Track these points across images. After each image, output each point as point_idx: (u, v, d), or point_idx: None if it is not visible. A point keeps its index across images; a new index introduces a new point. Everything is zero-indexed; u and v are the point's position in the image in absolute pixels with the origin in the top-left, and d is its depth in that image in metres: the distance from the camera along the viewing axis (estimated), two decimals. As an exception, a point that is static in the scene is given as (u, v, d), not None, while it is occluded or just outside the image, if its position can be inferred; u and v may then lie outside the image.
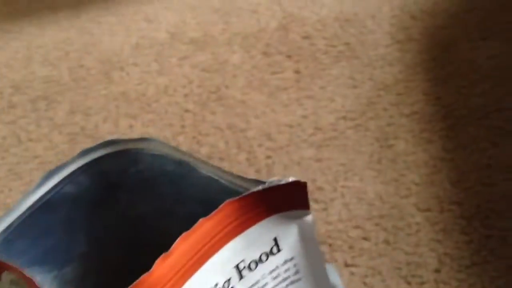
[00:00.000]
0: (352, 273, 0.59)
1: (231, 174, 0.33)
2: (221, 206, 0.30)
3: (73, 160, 0.33)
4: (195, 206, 0.35)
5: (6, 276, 0.29)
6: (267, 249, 0.32)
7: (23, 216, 0.31)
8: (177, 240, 0.28)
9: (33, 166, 0.71)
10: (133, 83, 0.78)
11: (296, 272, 0.33)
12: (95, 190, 0.34)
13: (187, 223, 0.31)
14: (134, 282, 0.26)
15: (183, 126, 0.73)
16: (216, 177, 0.33)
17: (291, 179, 0.31)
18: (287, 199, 0.32)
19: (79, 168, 0.33)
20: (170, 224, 0.37)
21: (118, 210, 0.36)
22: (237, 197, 0.30)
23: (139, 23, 0.86)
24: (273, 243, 0.32)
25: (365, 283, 0.59)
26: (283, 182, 0.31)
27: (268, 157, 0.69)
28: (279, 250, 0.32)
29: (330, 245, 0.61)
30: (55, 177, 0.32)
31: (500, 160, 0.66)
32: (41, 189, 0.32)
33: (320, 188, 0.66)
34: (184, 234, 0.29)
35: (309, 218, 0.33)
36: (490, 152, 0.67)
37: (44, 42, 0.85)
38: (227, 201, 0.30)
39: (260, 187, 0.31)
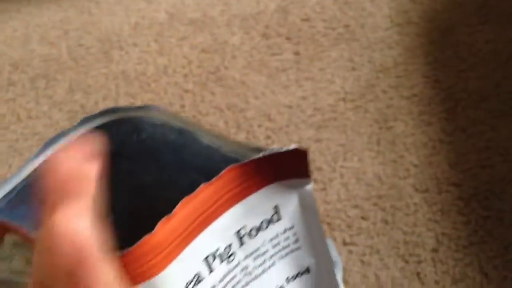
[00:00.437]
0: (350, 252, 0.60)
1: (233, 141, 0.33)
2: (222, 172, 0.30)
3: (73, 128, 0.33)
4: (197, 176, 0.35)
5: (9, 238, 0.29)
6: (268, 217, 0.32)
7: (26, 180, 0.31)
8: (178, 204, 0.28)
9: (32, 143, 0.71)
10: (132, 63, 0.78)
11: (296, 241, 0.33)
12: (96, 158, 0.34)
13: (189, 193, 0.31)
14: (136, 243, 0.27)
15: (182, 106, 0.73)
16: (217, 146, 0.33)
17: (292, 147, 0.31)
18: (288, 167, 0.32)
19: (80, 136, 0.33)
20: (172, 194, 0.37)
21: (120, 179, 0.36)
22: (239, 164, 0.30)
23: (138, 3, 0.86)
24: (273, 211, 0.32)
25: (362, 261, 0.59)
26: (284, 149, 0.31)
27: (268, 137, 0.69)
28: (279, 219, 0.33)
29: (328, 224, 0.62)
30: (56, 144, 0.32)
31: (498, 143, 0.66)
32: (42, 155, 0.32)
33: (319, 168, 0.66)
34: (185, 199, 0.29)
35: (309, 187, 0.34)
36: (488, 135, 0.67)
37: (43, 21, 0.85)
38: (229, 167, 0.30)
39: (261, 154, 0.31)
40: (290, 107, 0.72)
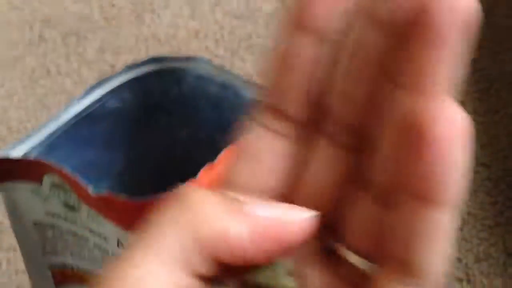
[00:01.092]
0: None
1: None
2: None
3: (117, 74, 0.32)
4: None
5: (47, 179, 0.29)
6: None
7: (67, 125, 0.31)
8: (201, 170, 0.28)
9: (61, 99, 0.71)
10: (164, 26, 0.78)
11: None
12: (136, 108, 0.34)
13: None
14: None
15: (212, 71, 0.73)
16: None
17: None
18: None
19: (122, 84, 0.33)
20: (208, 153, 0.36)
21: (157, 131, 0.36)
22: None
23: (172, -33, 0.85)
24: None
25: (386, 236, 0.59)
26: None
27: (297, 107, 0.68)
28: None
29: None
30: (99, 89, 0.32)
31: (530, 126, 0.65)
32: (85, 100, 0.32)
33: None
34: (208, 165, 0.28)
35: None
36: (521, 118, 0.66)
37: (76, -21, 0.84)
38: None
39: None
40: (320, 78, 0.71)
